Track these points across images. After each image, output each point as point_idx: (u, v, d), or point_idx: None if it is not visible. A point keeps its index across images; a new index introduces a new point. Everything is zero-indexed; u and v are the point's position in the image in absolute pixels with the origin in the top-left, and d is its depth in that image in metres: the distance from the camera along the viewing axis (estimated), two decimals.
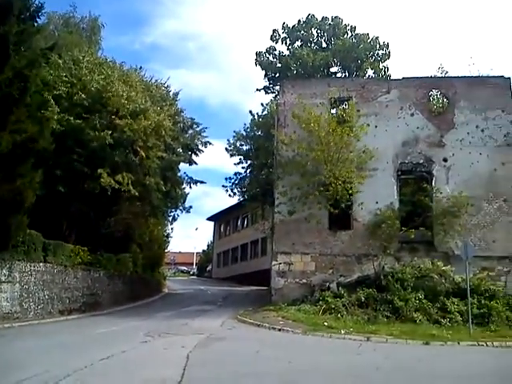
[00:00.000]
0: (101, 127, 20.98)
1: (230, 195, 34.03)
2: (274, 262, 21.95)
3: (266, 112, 31.49)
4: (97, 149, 21.12)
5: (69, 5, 29.79)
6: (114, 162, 21.49)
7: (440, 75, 26.98)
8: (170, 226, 35.99)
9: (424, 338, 14.74)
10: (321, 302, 18.96)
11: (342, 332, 15.36)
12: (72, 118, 20.71)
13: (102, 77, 22.25)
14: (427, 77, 24.29)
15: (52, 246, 19.15)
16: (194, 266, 71.13)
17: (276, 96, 30.14)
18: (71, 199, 21.67)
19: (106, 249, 23.58)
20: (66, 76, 21.78)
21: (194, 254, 72.43)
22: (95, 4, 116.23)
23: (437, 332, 15.58)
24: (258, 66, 31.63)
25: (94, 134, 20.76)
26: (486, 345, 14.44)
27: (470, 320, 16.11)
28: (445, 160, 21.97)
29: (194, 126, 29.13)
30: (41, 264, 18.20)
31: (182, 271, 68.32)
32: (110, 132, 20.78)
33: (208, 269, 62.33)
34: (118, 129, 21.40)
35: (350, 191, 20.76)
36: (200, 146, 28.84)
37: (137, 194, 22.17)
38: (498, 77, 23.22)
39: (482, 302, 18.01)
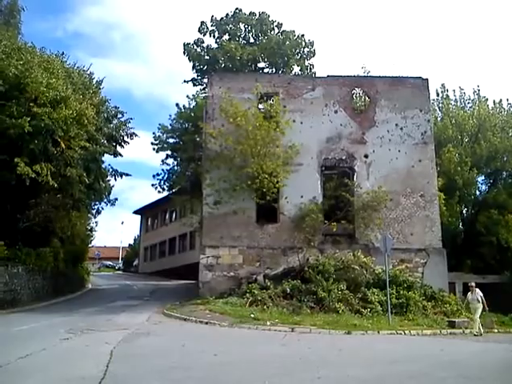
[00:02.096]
0: (18, 115, 19.83)
1: (159, 191, 33.60)
2: (201, 256, 21.93)
3: (193, 105, 31.23)
4: (14, 137, 19.98)
5: None
6: (32, 151, 20.42)
7: (363, 74, 28.00)
8: (94, 220, 34.82)
9: (346, 327, 15.40)
10: (248, 295, 19.20)
11: (268, 323, 15.69)
12: None
13: (21, 62, 21.04)
14: (350, 75, 25.10)
15: None
16: (120, 261, 69.30)
17: (204, 88, 29.95)
18: None
19: (24, 243, 22.43)
20: None
21: (120, 248, 70.57)
22: None
23: (358, 322, 16.31)
24: (186, 58, 31.26)
25: (10, 121, 19.62)
26: (404, 333, 15.35)
27: (390, 310, 16.98)
28: (366, 156, 22.93)
29: (119, 115, 28.23)
30: None
31: (108, 266, 66.30)
32: (28, 119, 19.71)
33: (135, 263, 60.95)
34: (37, 117, 20.36)
35: (277, 185, 21.14)
36: (125, 137, 27.98)
37: (56, 185, 21.22)
38: (416, 77, 24.40)
39: (401, 292, 19.03)
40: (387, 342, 14.05)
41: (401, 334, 15.28)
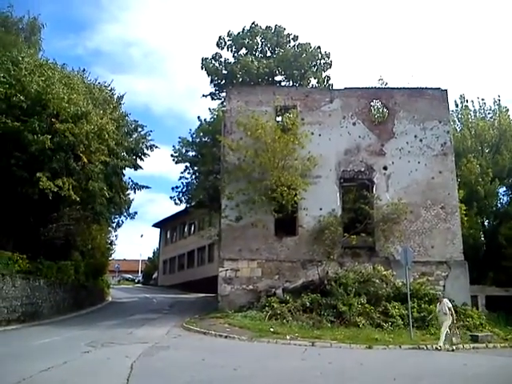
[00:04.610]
0: (40, 130, 20.18)
1: (176, 203, 33.84)
2: (220, 269, 21.92)
3: (212, 118, 31.50)
4: (36, 153, 20.35)
5: (6, 5, 28.34)
6: (54, 166, 20.78)
7: (381, 86, 27.93)
8: (114, 233, 35.17)
9: (367, 342, 15.21)
10: (267, 308, 19.15)
11: (288, 337, 15.59)
12: (10, 121, 19.90)
13: (43, 78, 21.47)
14: (368, 87, 25.09)
15: None
16: (140, 274, 69.66)
17: (222, 102, 30.19)
18: (9, 205, 20.76)
19: (46, 256, 22.69)
20: (3, 77, 20.86)
21: (139, 261, 70.95)
22: (33, 6, 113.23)
23: (379, 336, 16.13)
24: (204, 72, 31.56)
25: (32, 137, 19.99)
26: (426, 348, 15.04)
27: (411, 323, 16.66)
28: (385, 168, 22.76)
29: (139, 129, 28.62)
30: None
31: (127, 279, 66.72)
32: (49, 136, 20.06)
33: (154, 276, 61.25)
34: (59, 132, 20.73)
35: (295, 198, 21.10)
36: (145, 150, 28.27)
37: (78, 199, 21.52)
38: (435, 89, 24.24)
39: (422, 305, 18.72)
40: (409, 356, 13.82)
41: (423, 348, 15.02)
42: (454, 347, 15.19)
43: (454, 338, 15.46)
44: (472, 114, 33.59)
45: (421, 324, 17.88)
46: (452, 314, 15.68)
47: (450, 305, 15.92)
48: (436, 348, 14.92)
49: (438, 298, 16.77)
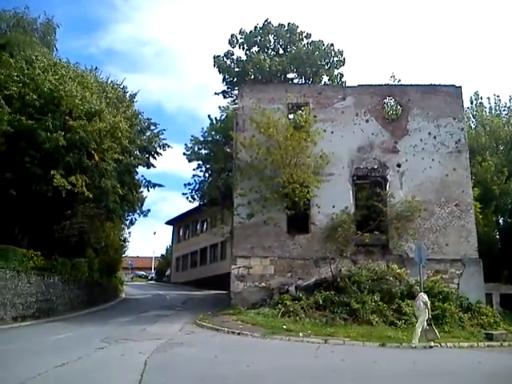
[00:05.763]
0: (54, 128, 20.35)
1: (190, 201, 33.97)
2: (233, 266, 21.93)
3: (224, 116, 31.52)
4: (50, 150, 20.54)
5: (23, 7, 28.59)
6: (67, 163, 20.95)
7: (393, 83, 27.70)
8: (127, 230, 35.40)
9: (380, 339, 15.11)
10: (280, 306, 19.09)
11: (301, 335, 15.55)
12: (24, 119, 20.10)
13: (56, 77, 21.66)
14: (382, 84, 24.84)
15: (3, 250, 18.49)
16: (153, 271, 70.09)
17: (234, 100, 30.19)
18: (23, 202, 21.00)
19: (60, 253, 22.92)
20: (17, 76, 21.12)
21: (152, 258, 71.37)
22: (48, 7, 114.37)
23: (392, 334, 15.99)
24: (216, 70, 31.60)
25: (46, 135, 20.16)
26: (440, 345, 14.90)
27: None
28: (398, 165, 22.59)
29: (152, 127, 28.82)
30: None
31: (140, 276, 67.21)
32: (62, 133, 20.23)
33: (167, 273, 61.56)
34: (73, 130, 20.89)
35: (308, 195, 21.04)
36: (158, 149, 28.48)
37: (91, 196, 21.69)
38: (449, 85, 23.97)
39: (436, 303, 18.41)
40: (423, 354, 13.72)
41: (437, 346, 14.89)
42: (432, 343, 14.77)
43: (429, 334, 14.91)
44: (487, 111, 33.18)
45: (435, 322, 17.51)
46: (428, 309, 15.11)
47: (427, 299, 15.33)
48: (411, 346, 14.46)
49: (415, 293, 16.41)
